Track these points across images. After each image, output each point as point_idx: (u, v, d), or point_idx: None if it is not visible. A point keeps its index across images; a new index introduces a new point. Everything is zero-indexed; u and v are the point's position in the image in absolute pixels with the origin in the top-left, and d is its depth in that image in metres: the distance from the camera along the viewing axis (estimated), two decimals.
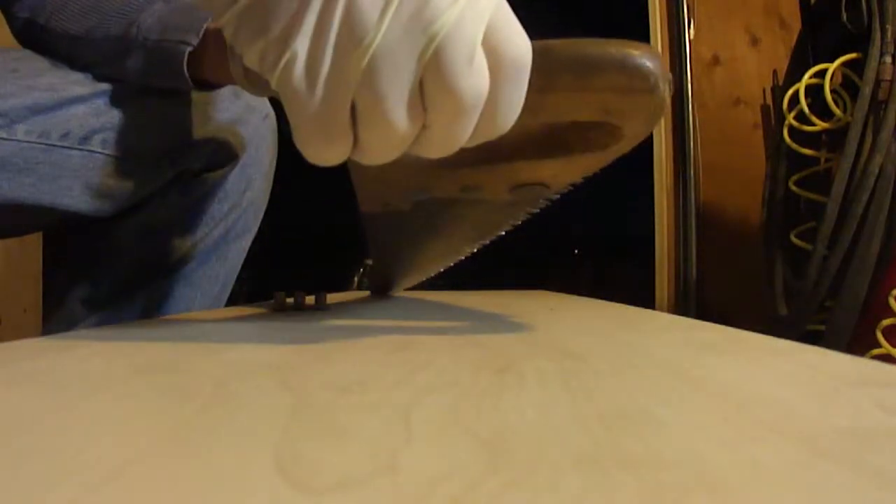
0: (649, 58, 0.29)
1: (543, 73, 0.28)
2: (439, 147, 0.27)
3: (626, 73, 0.28)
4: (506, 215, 0.47)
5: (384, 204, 0.44)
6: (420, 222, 0.46)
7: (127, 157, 0.51)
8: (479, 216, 0.46)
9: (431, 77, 0.24)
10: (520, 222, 0.49)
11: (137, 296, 0.58)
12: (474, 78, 0.25)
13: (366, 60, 0.23)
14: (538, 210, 0.46)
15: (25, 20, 0.51)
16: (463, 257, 0.63)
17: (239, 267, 0.64)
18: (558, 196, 0.42)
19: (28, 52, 0.50)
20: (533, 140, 0.34)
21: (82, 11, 0.49)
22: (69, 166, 0.48)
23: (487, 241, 0.56)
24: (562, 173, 0.37)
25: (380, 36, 0.23)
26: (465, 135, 0.26)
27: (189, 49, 0.46)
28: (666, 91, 0.29)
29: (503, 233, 0.52)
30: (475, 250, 0.60)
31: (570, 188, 0.41)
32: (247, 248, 0.64)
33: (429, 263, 0.65)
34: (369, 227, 0.50)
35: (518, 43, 0.25)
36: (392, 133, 0.25)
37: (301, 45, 0.23)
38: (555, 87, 0.29)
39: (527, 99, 0.26)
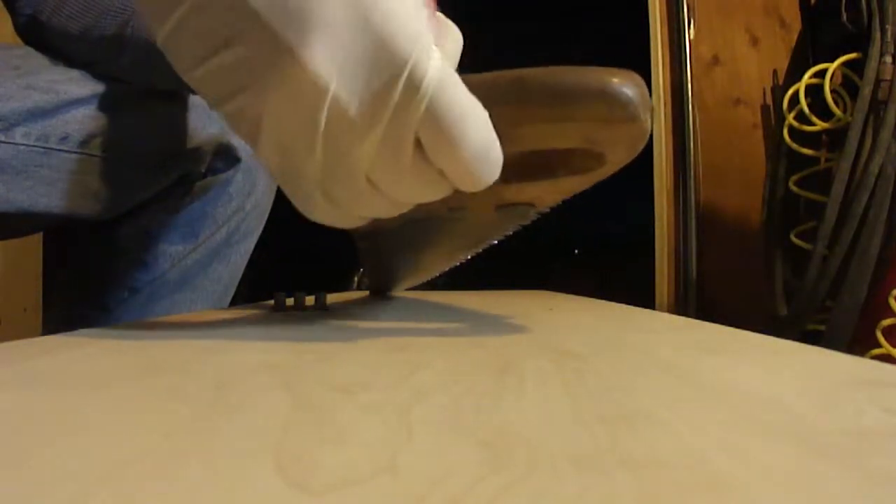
0: (629, 86, 0.27)
1: (518, 105, 0.27)
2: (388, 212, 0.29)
3: (605, 102, 0.27)
4: (496, 228, 0.47)
5: (373, 223, 0.44)
6: (410, 237, 0.46)
7: (127, 160, 0.51)
8: (470, 230, 0.45)
9: (374, 178, 0.26)
10: (511, 233, 0.49)
11: (138, 297, 0.57)
12: (408, 186, 0.26)
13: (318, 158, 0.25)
14: (529, 223, 0.46)
15: (28, 17, 0.51)
16: (457, 263, 0.63)
17: (242, 269, 0.64)
18: (548, 210, 0.42)
19: (30, 50, 0.50)
20: (516, 165, 0.33)
21: (81, 9, 0.49)
22: (68, 170, 0.48)
23: (480, 250, 0.56)
24: (546, 194, 0.37)
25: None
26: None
27: None
28: (648, 120, 0.28)
29: (496, 242, 0.52)
30: (468, 257, 0.60)
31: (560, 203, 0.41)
32: (250, 251, 0.64)
33: (422, 271, 0.64)
34: (359, 242, 0.50)
35: (463, 131, 0.24)
36: (337, 211, 0.28)
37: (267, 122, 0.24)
38: (531, 119, 0.28)
39: (502, 131, 0.26)
